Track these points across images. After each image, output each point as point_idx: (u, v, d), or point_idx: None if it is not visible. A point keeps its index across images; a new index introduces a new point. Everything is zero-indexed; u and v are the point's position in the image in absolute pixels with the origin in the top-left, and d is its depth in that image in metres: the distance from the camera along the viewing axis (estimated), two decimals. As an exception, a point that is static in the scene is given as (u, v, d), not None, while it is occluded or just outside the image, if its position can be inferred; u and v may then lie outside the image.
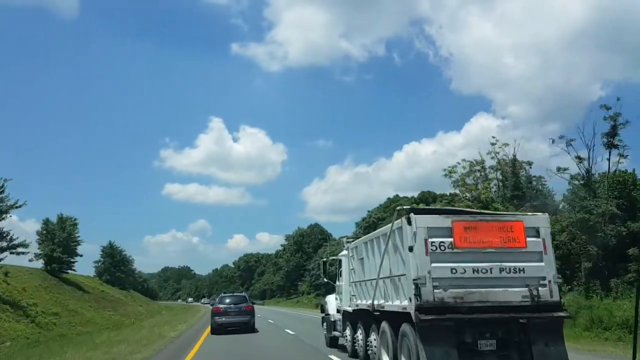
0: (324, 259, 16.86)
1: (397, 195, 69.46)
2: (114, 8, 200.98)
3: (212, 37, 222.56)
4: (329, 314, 14.71)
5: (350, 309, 11.99)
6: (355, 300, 11.45)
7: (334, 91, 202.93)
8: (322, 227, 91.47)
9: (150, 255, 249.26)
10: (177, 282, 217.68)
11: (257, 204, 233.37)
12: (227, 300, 22.62)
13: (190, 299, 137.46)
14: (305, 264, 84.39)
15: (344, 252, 13.09)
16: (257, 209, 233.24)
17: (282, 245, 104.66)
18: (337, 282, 13.89)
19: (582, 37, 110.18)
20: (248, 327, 21.37)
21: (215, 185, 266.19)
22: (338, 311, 13.69)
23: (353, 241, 12.30)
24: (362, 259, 10.90)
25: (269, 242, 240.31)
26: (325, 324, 15.27)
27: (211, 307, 24.55)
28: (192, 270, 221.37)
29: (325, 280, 15.25)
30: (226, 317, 21.39)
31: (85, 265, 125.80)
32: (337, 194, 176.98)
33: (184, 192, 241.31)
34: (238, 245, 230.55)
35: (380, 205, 70.81)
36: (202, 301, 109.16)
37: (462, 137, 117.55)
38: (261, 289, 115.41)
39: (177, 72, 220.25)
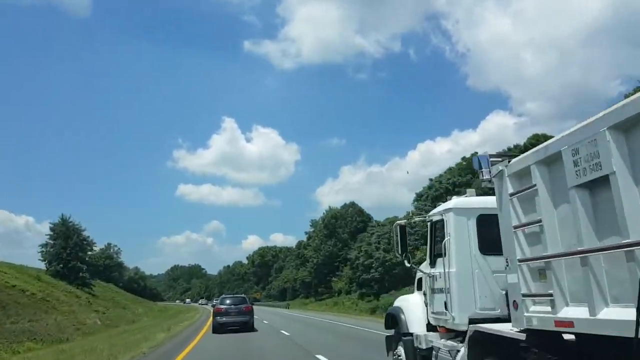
0: (402, 222, 7.92)
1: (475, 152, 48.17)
2: (125, 7, 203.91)
3: (224, 35, 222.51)
4: (406, 333, 7.76)
5: (512, 329, 4.89)
6: (529, 307, 4.60)
7: (348, 89, 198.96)
8: (359, 206, 70.27)
9: (166, 256, 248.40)
10: (187, 282, 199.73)
11: (271, 205, 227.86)
12: (228, 301, 23.59)
13: (188, 300, 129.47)
14: (341, 253, 63.32)
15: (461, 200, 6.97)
16: (270, 210, 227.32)
17: (306, 233, 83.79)
18: (431, 268, 7.28)
19: (601, 32, 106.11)
20: (247, 327, 22.07)
21: (228, 185, 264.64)
22: (431, 327, 7.31)
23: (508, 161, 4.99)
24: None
25: (284, 242, 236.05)
26: (396, 350, 8.28)
27: (212, 308, 29.96)
28: (203, 269, 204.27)
29: (407, 263, 7.62)
30: (227, 317, 22.17)
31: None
32: (350, 194, 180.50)
33: (197, 193, 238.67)
34: (252, 246, 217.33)
35: (453, 166, 49.56)
36: (200, 302, 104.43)
37: (479, 135, 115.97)
38: (280, 288, 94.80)
39: (189, 71, 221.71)
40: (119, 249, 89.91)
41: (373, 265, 49.10)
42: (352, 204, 70.63)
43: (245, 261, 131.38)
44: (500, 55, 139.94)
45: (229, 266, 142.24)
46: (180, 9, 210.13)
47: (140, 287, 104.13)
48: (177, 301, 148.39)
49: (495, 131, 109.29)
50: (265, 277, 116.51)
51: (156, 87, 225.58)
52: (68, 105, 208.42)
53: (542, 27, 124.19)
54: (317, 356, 12.74)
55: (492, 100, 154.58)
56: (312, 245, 70.04)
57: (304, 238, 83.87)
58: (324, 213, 68.50)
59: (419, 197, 50.58)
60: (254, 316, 23.75)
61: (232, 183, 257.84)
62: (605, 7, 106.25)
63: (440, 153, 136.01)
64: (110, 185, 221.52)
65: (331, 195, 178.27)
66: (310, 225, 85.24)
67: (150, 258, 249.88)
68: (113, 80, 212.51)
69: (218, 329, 21.67)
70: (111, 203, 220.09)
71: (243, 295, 30.89)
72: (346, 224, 67.30)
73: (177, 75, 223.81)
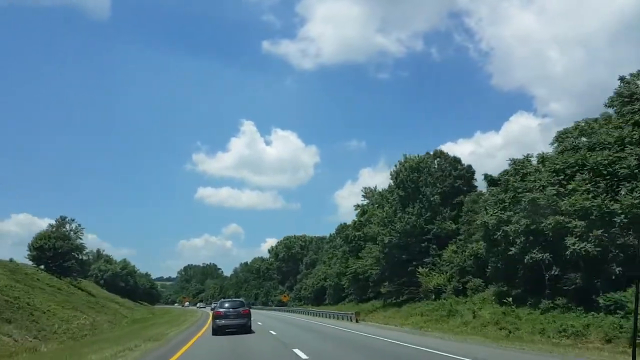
0: None
1: None
2: (143, 11, 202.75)
3: (243, 36, 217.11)
4: None
5: None
6: None
7: (368, 89, 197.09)
8: (450, 155, 44.13)
9: (184, 259, 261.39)
10: (200, 282, 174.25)
11: (290, 208, 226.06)
12: (227, 305, 24.07)
13: (187, 304, 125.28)
14: (432, 228, 37.82)
15: None
16: (290, 213, 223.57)
17: (358, 207, 57.85)
18: None
19: (629, 29, 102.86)
20: (245, 329, 22.58)
21: (247, 188, 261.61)
22: None
23: None
24: None
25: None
26: None
27: (211, 312, 31.64)
28: (219, 268, 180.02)
29: None
30: (226, 320, 22.65)
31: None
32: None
33: (216, 196, 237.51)
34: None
35: None
36: (198, 305, 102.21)
37: (501, 137, 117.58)
38: (315, 287, 69.09)
39: (208, 74, 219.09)
40: (80, 226, 63.51)
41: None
42: (441, 153, 44.39)
43: (267, 255, 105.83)
44: (524, 53, 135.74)
45: (246, 263, 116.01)
46: (198, 11, 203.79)
47: (130, 285, 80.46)
48: (175, 304, 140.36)
49: (518, 133, 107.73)
50: (292, 274, 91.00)
51: (174, 91, 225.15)
52: (88, 108, 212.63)
53: (567, 24, 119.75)
54: None
55: (515, 100, 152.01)
56: (377, 217, 43.68)
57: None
58: (395, 166, 42.45)
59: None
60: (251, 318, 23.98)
61: (251, 186, 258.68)
62: (633, 1, 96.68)
63: (462, 155, 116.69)
64: (129, 188, 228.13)
65: (351, 199, 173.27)
66: (363, 195, 59.52)
67: (168, 260, 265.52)
68: (131, 84, 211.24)
69: (217, 331, 22.29)
70: (131, 206, 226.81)
71: (241, 299, 32.47)
72: (435, 181, 41.20)
73: (195, 78, 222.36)
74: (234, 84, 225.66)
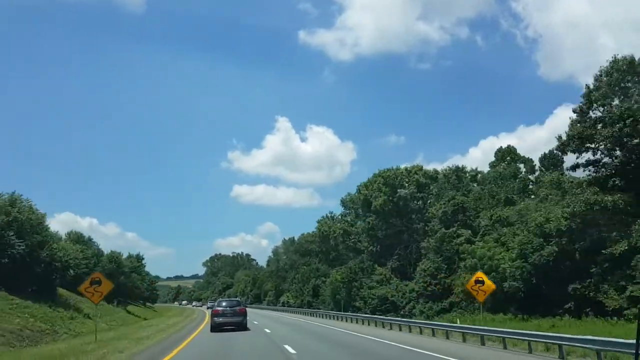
0: None
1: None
2: (179, 9, 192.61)
3: (278, 25, 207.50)
4: None
5: None
6: None
7: (408, 81, 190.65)
8: None
9: None
10: (230, 275, 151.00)
11: (327, 205, 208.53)
12: (224, 304, 26.28)
13: (184, 302, 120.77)
14: None
15: None
16: (326, 210, 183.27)
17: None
18: None
19: None
20: (241, 326, 24.32)
21: (283, 186, 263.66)
22: None
23: None
24: None
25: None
26: None
27: (210, 310, 34.26)
28: (252, 259, 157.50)
29: None
30: (223, 318, 24.39)
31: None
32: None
33: (252, 194, 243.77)
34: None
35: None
36: (193, 304, 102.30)
37: (545, 131, 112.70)
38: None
39: (243, 70, 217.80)
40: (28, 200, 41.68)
41: None
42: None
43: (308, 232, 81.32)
44: (574, 40, 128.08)
45: (293, 239, 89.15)
46: (234, 4, 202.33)
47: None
48: (175, 302, 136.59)
49: (565, 127, 79.75)
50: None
51: (209, 89, 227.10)
52: (125, 109, 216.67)
53: (621, 6, 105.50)
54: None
55: (563, 91, 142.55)
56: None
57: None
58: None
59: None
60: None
61: (287, 183, 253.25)
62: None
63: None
64: (167, 188, 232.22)
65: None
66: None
67: (203, 258, 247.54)
68: (166, 83, 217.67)
69: (215, 328, 24.02)
70: (168, 205, 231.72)
71: (238, 298, 35.51)
72: None
73: (230, 75, 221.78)
74: (269, 79, 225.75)
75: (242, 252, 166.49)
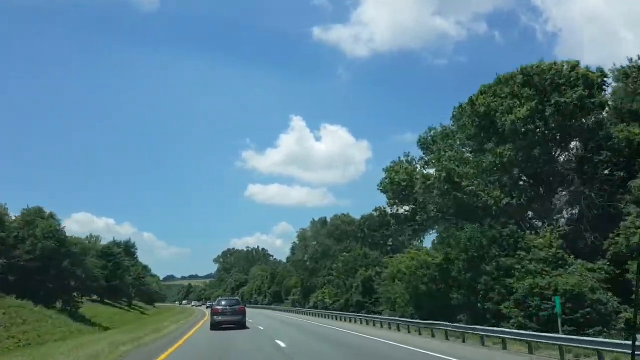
0: None
1: None
2: (192, 8, 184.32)
3: (293, 22, 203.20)
4: None
5: None
6: None
7: (424, 77, 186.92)
8: None
9: None
10: (244, 272, 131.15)
11: (341, 205, 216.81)
12: (224, 303, 26.89)
13: (184, 302, 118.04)
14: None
15: None
16: (340, 210, 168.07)
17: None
18: None
19: None
20: (240, 325, 24.76)
21: (297, 185, 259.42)
22: None
23: None
24: None
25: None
26: None
27: (210, 309, 32.97)
28: (270, 255, 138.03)
29: None
30: (223, 317, 24.90)
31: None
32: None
33: (265, 193, 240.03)
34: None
35: None
36: (193, 304, 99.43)
37: None
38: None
39: (257, 70, 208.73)
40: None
41: None
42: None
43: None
44: (594, 34, 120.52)
45: (325, 220, 67.12)
46: (250, 3, 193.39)
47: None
48: (176, 302, 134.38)
49: None
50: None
51: (223, 89, 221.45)
52: (140, 110, 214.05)
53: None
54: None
55: None
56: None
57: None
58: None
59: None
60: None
61: (301, 182, 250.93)
62: None
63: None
64: (182, 188, 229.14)
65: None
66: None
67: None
68: (178, 84, 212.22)
69: (215, 326, 24.45)
70: (184, 205, 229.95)
71: (237, 298, 35.15)
72: None
73: (244, 74, 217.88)
74: (284, 78, 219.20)
75: (257, 247, 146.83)
